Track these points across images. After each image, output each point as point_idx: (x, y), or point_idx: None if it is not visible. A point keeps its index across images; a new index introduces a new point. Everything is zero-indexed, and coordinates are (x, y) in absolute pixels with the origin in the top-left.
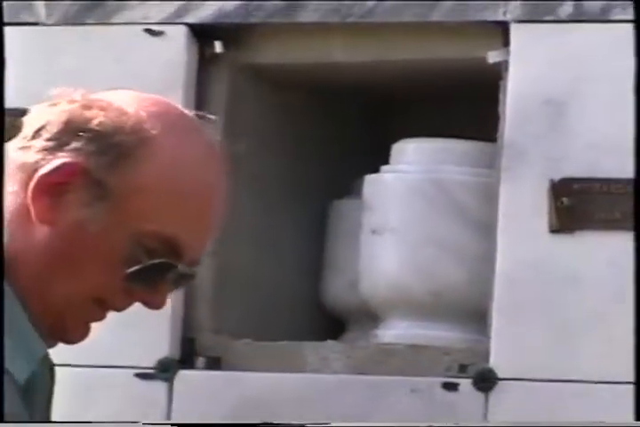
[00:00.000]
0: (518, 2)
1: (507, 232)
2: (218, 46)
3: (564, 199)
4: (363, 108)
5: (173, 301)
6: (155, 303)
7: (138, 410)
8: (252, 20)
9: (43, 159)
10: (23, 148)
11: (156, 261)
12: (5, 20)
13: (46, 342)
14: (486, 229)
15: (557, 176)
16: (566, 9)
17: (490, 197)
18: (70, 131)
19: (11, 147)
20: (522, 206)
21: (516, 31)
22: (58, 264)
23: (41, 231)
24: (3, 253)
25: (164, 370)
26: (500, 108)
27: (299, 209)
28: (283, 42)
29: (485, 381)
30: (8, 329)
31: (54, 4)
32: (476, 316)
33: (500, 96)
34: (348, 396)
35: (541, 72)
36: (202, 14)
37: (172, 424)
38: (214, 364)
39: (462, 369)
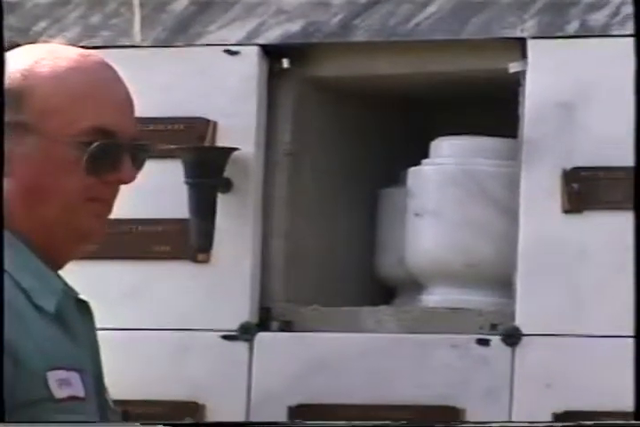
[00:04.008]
0: (533, 21)
1: (527, 213)
2: (285, 62)
3: (574, 185)
4: (405, 112)
5: (252, 275)
6: (126, 178)
7: (224, 366)
8: (313, 40)
9: None
10: None
11: (92, 146)
12: (106, 44)
13: (65, 261)
14: (510, 211)
15: (568, 166)
16: (573, 26)
17: (512, 184)
18: None
19: None
20: (539, 191)
21: (532, 45)
22: (35, 198)
23: (8, 183)
24: (2, 246)
25: (246, 332)
26: (520, 110)
27: (355, 197)
28: (338, 58)
29: (512, 337)
30: (29, 272)
31: (148, 30)
32: (504, 283)
33: (520, 100)
34: (399, 352)
35: (553, 79)
36: (271, 36)
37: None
38: (287, 327)
39: (493, 327)
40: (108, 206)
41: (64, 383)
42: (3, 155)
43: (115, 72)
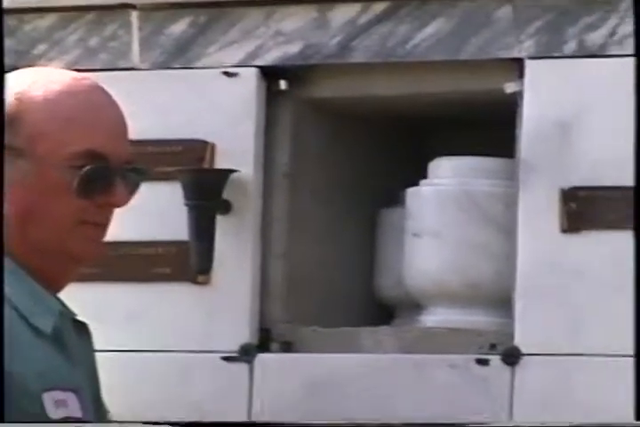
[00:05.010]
0: (531, 41)
1: (525, 233)
2: (283, 84)
3: (572, 204)
4: (403, 133)
5: (252, 296)
6: (117, 202)
7: (225, 387)
8: (311, 61)
9: None
10: None
11: (83, 170)
12: (105, 67)
13: (63, 283)
14: (508, 230)
15: (566, 185)
16: (570, 46)
17: (511, 204)
18: None
19: None
20: (537, 211)
21: (529, 66)
22: (28, 221)
23: (7, 209)
24: (2, 259)
25: (246, 354)
26: (517, 130)
27: (354, 217)
28: (336, 79)
29: (511, 356)
30: (25, 294)
31: (146, 53)
32: (503, 303)
33: (517, 120)
34: (399, 372)
35: (551, 99)
36: (269, 58)
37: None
38: (287, 348)
39: (492, 347)
40: (102, 230)
41: (60, 404)
42: (2, 157)
43: (108, 95)
